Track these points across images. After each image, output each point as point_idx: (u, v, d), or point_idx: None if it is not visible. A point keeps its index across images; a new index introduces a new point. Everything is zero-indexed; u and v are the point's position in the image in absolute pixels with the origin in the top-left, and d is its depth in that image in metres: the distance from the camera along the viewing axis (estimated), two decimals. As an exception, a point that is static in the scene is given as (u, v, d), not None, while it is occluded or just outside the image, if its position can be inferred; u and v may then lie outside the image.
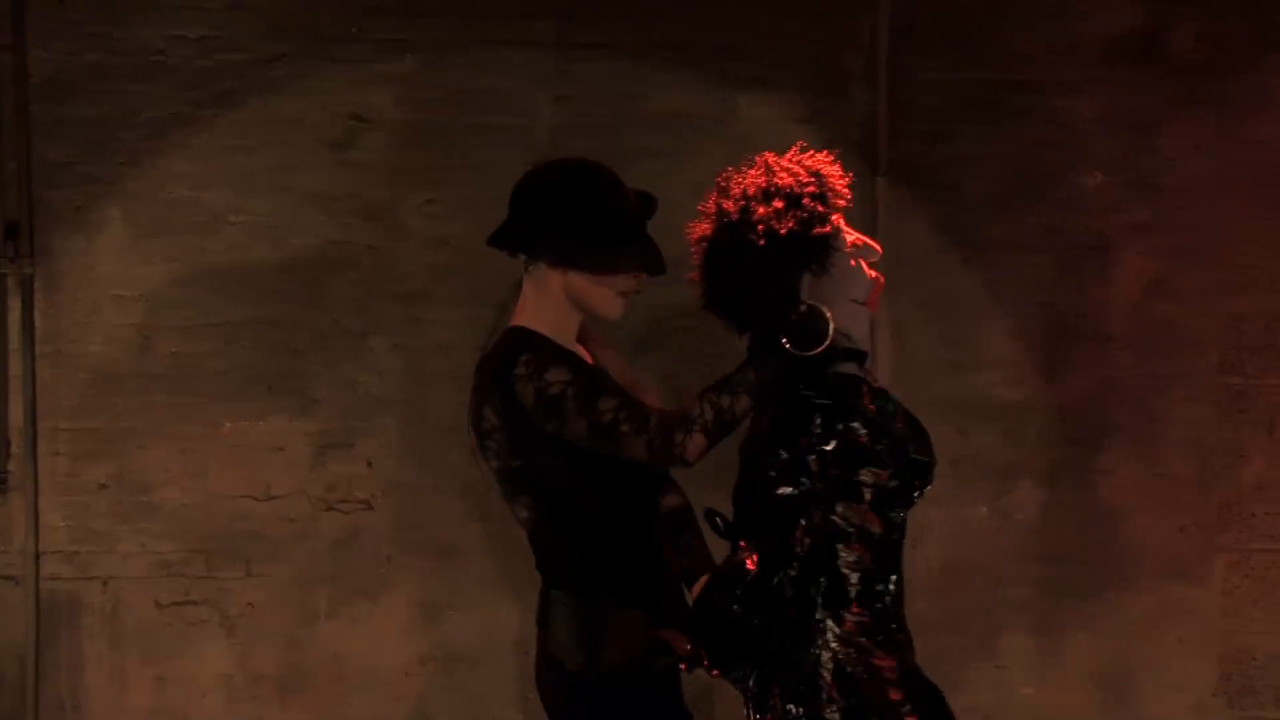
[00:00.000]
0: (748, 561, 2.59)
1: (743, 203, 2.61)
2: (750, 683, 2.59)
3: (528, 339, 2.84)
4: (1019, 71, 4.20)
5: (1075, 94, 4.20)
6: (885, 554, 2.53)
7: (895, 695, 2.48)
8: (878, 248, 2.67)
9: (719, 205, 2.65)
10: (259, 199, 4.12)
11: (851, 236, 2.64)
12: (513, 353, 2.81)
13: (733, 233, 2.61)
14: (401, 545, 4.17)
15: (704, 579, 2.78)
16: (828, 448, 2.51)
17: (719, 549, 2.77)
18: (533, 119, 4.16)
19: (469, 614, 4.17)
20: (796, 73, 4.17)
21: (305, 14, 4.11)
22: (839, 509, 2.49)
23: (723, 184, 2.67)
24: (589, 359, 2.95)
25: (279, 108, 4.12)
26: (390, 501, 4.17)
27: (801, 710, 2.50)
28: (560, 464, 2.81)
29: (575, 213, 2.85)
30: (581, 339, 2.98)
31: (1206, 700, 4.22)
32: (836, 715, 2.48)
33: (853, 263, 2.63)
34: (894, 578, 2.56)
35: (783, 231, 2.56)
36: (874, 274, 2.66)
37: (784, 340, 2.59)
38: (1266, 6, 4.20)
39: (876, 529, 2.50)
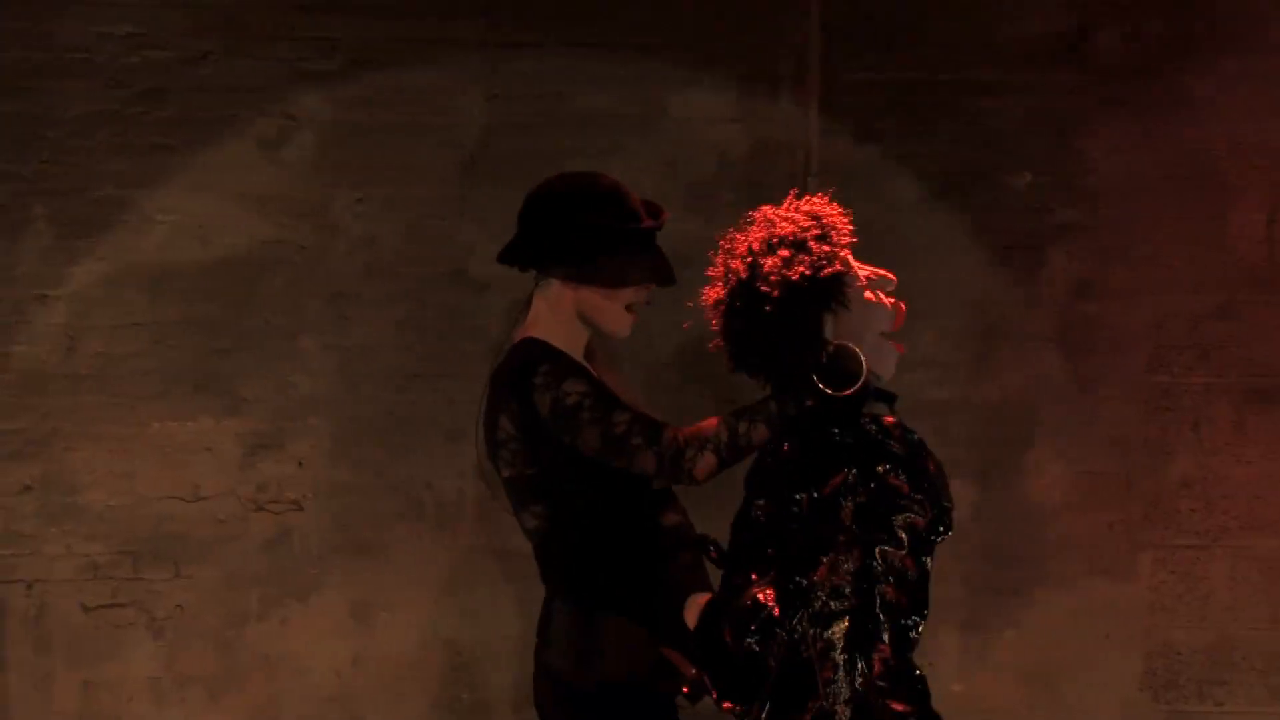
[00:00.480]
0: (760, 596, 2.57)
1: (750, 259, 2.60)
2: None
3: (545, 350, 2.86)
4: (947, 72, 4.23)
5: (1003, 95, 4.23)
6: (917, 598, 2.53)
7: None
8: (891, 277, 2.67)
9: (727, 266, 2.64)
10: (187, 198, 4.09)
11: (864, 271, 2.65)
12: (531, 363, 2.82)
13: (746, 290, 2.60)
14: (332, 545, 4.15)
15: (701, 599, 2.77)
16: (864, 492, 2.52)
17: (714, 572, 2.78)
18: (463, 118, 4.15)
19: (400, 614, 4.15)
20: (727, 72, 4.18)
21: (233, 12, 4.08)
22: (877, 551, 2.49)
23: (727, 245, 2.66)
24: (595, 375, 2.95)
25: (207, 106, 4.08)
26: (321, 502, 4.15)
27: None
28: (574, 474, 2.82)
29: (585, 226, 2.85)
30: (588, 357, 2.98)
31: (1132, 694, 4.27)
32: None
33: (869, 295, 2.63)
34: (921, 623, 2.55)
35: (795, 278, 2.55)
36: (892, 300, 2.67)
37: (817, 382, 2.58)
38: (1188, 9, 4.25)
39: (911, 573, 2.50)
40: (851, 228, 2.64)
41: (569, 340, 2.91)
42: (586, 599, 2.87)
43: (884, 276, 2.67)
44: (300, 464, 4.15)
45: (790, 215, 2.62)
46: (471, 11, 4.13)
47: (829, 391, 2.58)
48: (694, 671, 2.69)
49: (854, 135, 4.21)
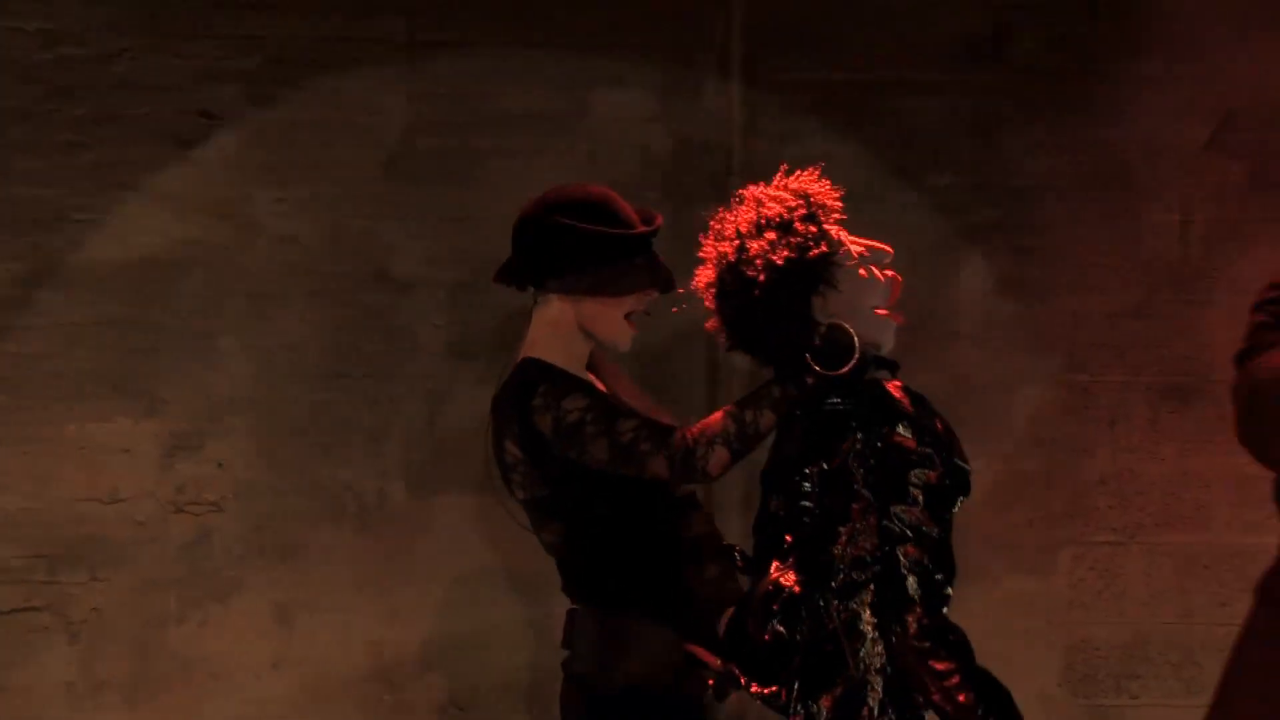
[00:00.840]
0: (781, 579, 2.55)
1: (736, 241, 2.61)
2: (793, 702, 2.52)
3: (542, 370, 2.83)
4: (870, 72, 4.26)
5: (924, 95, 4.26)
6: (942, 555, 2.52)
7: (964, 698, 2.45)
8: (888, 249, 2.67)
9: (716, 249, 2.65)
10: (103, 197, 4.04)
11: (858, 246, 2.64)
12: (529, 384, 2.81)
13: (734, 273, 2.61)
14: (253, 547, 4.11)
15: (729, 611, 2.74)
16: (873, 454, 2.51)
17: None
18: (384, 117, 4.12)
19: (322, 616, 4.11)
20: (651, 71, 4.18)
21: (150, 8, 4.03)
22: (893, 511, 2.48)
23: (716, 226, 2.67)
24: (602, 388, 2.94)
25: (123, 103, 4.03)
26: (241, 503, 4.11)
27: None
28: (588, 491, 2.80)
29: (579, 239, 2.83)
30: (593, 368, 2.97)
31: (1051, 689, 4.31)
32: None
33: (863, 271, 2.63)
34: (950, 582, 2.55)
35: (780, 261, 2.55)
36: (890, 274, 2.66)
37: (812, 363, 2.58)
38: (1102, 14, 4.30)
39: (932, 530, 2.50)
40: (841, 205, 2.63)
41: (569, 356, 2.89)
42: (609, 605, 2.84)
43: (880, 249, 2.66)
44: (220, 465, 4.10)
45: (778, 195, 2.62)
46: (392, 10, 4.10)
47: (824, 372, 2.58)
48: (719, 664, 2.66)
49: (776, 135, 4.22)
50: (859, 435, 2.51)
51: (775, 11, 4.23)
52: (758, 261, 2.56)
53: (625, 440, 2.71)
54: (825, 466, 2.53)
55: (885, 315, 2.64)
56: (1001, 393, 4.35)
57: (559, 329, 2.89)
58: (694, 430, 2.70)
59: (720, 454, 2.67)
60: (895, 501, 2.49)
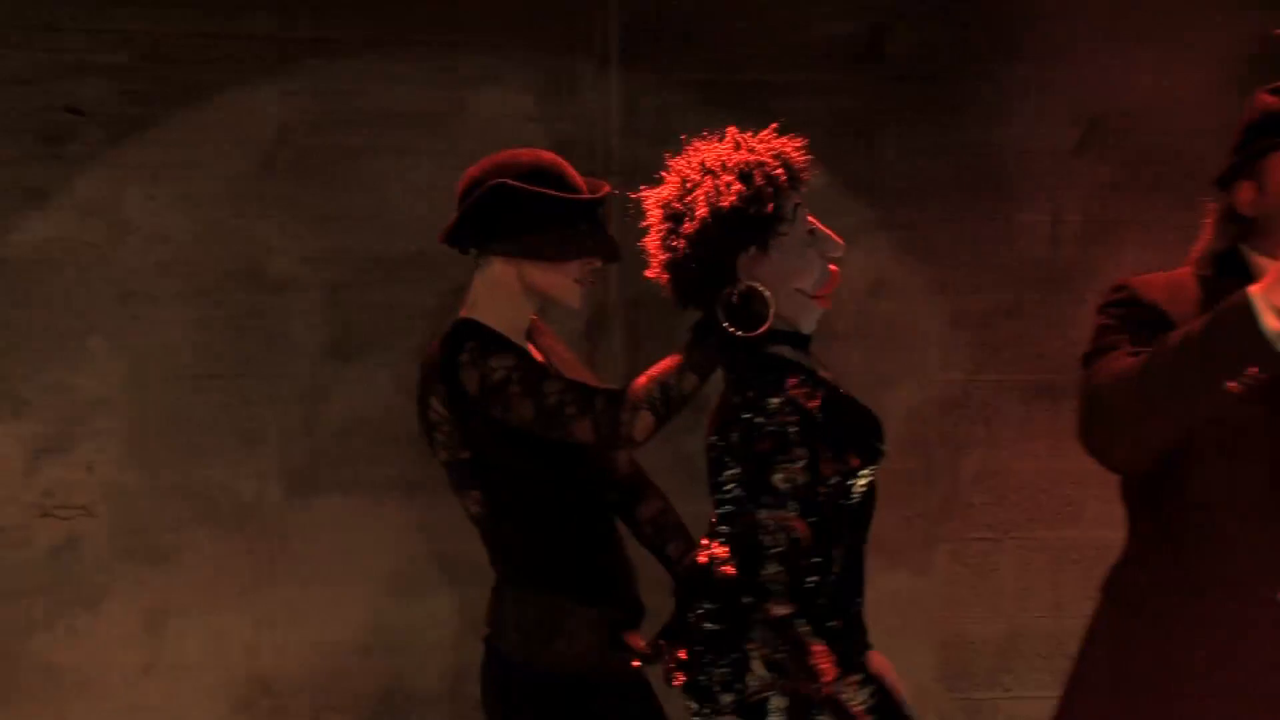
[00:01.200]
0: (699, 556, 2.54)
1: (697, 172, 2.57)
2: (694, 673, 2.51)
3: (472, 329, 2.80)
4: (746, 72, 4.27)
5: (801, 96, 4.27)
6: (808, 548, 2.47)
7: (827, 689, 2.42)
8: (840, 241, 2.63)
9: (679, 169, 2.61)
10: (-34, 194, 3.94)
11: (812, 227, 2.61)
12: (457, 342, 2.77)
13: (681, 200, 2.56)
14: (123, 552, 4.02)
15: None
16: (744, 440, 2.47)
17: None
18: (258, 114, 4.05)
19: (193, 620, 4.04)
20: (528, 71, 4.16)
21: (15, 2, 3.94)
22: (761, 503, 2.45)
23: (689, 149, 2.63)
24: (539, 356, 2.91)
25: (-13, 99, 3.94)
26: (111, 507, 4.02)
27: (733, 699, 2.43)
28: (511, 454, 2.77)
29: (525, 200, 2.80)
30: (531, 337, 2.94)
31: (927, 684, 4.36)
32: (772, 704, 2.42)
33: (810, 253, 2.58)
34: (825, 568, 2.51)
35: (724, 205, 2.50)
36: (833, 267, 2.63)
37: (722, 318, 2.54)
38: (974, 19, 4.36)
39: (797, 528, 2.45)
40: (808, 176, 2.61)
41: (508, 319, 2.86)
42: (534, 582, 2.83)
43: (831, 239, 2.63)
44: (89, 468, 4.01)
45: (756, 145, 2.58)
46: (265, 7, 4.04)
47: (732, 330, 2.54)
48: (644, 645, 2.66)
49: (654, 135, 4.21)
50: (741, 419, 2.49)
51: (653, 11, 4.23)
52: (703, 195, 2.53)
53: (551, 402, 2.69)
54: (719, 441, 2.51)
55: (808, 299, 2.60)
56: (880, 391, 4.38)
57: (500, 292, 2.86)
58: (619, 394, 2.68)
59: (646, 419, 2.65)
60: (761, 494, 2.45)
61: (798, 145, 2.62)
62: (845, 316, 4.37)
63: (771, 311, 2.54)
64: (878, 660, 2.69)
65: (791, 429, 2.45)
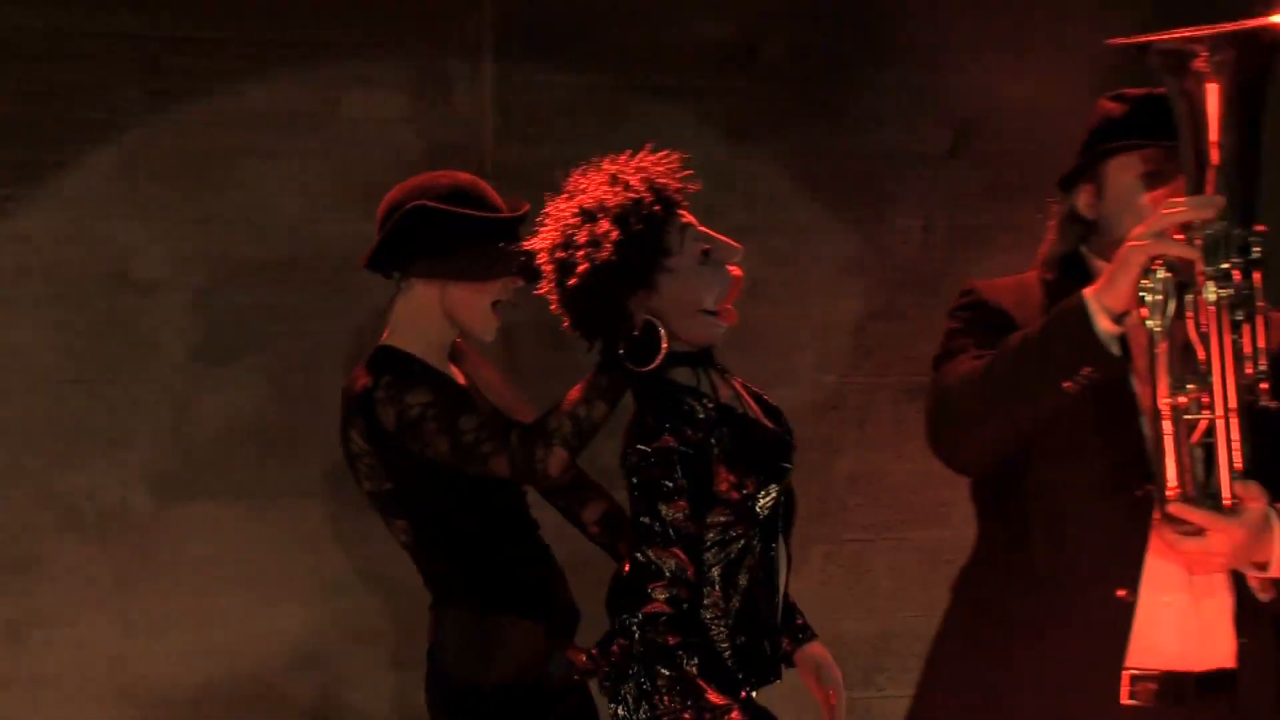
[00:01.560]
0: (624, 567, 2.60)
1: (577, 218, 2.59)
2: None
3: (390, 359, 2.81)
4: (621, 77, 4.27)
5: (676, 100, 4.29)
6: (693, 581, 2.52)
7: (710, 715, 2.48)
8: (737, 246, 2.66)
9: (558, 215, 2.63)
10: None
11: (703, 244, 2.63)
12: (375, 375, 2.78)
13: (566, 249, 2.59)
14: (-19, 561, 3.92)
15: None
16: (639, 470, 2.53)
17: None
18: (124, 114, 3.95)
19: (58, 631, 3.93)
20: (401, 72, 4.12)
21: None
22: (653, 532, 2.51)
23: (570, 189, 2.66)
24: (461, 379, 2.92)
25: None
26: (-30, 516, 3.91)
27: (648, 715, 2.50)
28: (432, 486, 2.79)
29: (444, 221, 2.81)
30: (455, 358, 2.94)
31: (800, 683, 4.38)
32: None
33: (705, 271, 2.62)
34: (730, 590, 2.56)
35: (602, 259, 2.54)
36: (734, 271, 2.65)
37: (622, 356, 2.58)
38: (845, 25, 4.41)
39: (678, 561, 2.50)
40: (682, 199, 2.63)
41: (429, 344, 2.87)
42: (470, 602, 2.86)
43: (729, 245, 2.66)
44: (-53, 476, 3.90)
45: (630, 179, 2.62)
46: (128, 4, 3.94)
47: (631, 367, 2.58)
48: (582, 657, 2.68)
49: (529, 138, 4.21)
50: (636, 449, 2.54)
51: (527, 13, 4.21)
52: (580, 253, 2.56)
53: (467, 440, 2.71)
54: (625, 460, 2.57)
55: (710, 318, 2.64)
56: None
57: (422, 316, 2.88)
58: (533, 429, 2.71)
59: (560, 454, 2.69)
60: (653, 523, 2.52)
61: (673, 165, 2.67)
62: (721, 320, 4.38)
63: (664, 347, 2.58)
64: (814, 654, 2.86)
65: (675, 464, 2.51)
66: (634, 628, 2.52)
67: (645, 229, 2.57)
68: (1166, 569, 2.35)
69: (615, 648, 2.54)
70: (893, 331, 4.43)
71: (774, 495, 2.64)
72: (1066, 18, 4.50)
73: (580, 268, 2.55)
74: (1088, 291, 2.23)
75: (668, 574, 2.48)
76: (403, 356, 2.84)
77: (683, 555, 2.49)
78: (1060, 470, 2.41)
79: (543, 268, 2.64)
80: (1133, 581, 2.35)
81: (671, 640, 2.46)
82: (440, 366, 2.90)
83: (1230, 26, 2.11)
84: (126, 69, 3.95)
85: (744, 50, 4.37)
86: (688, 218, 2.67)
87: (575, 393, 2.69)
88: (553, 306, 2.65)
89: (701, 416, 2.56)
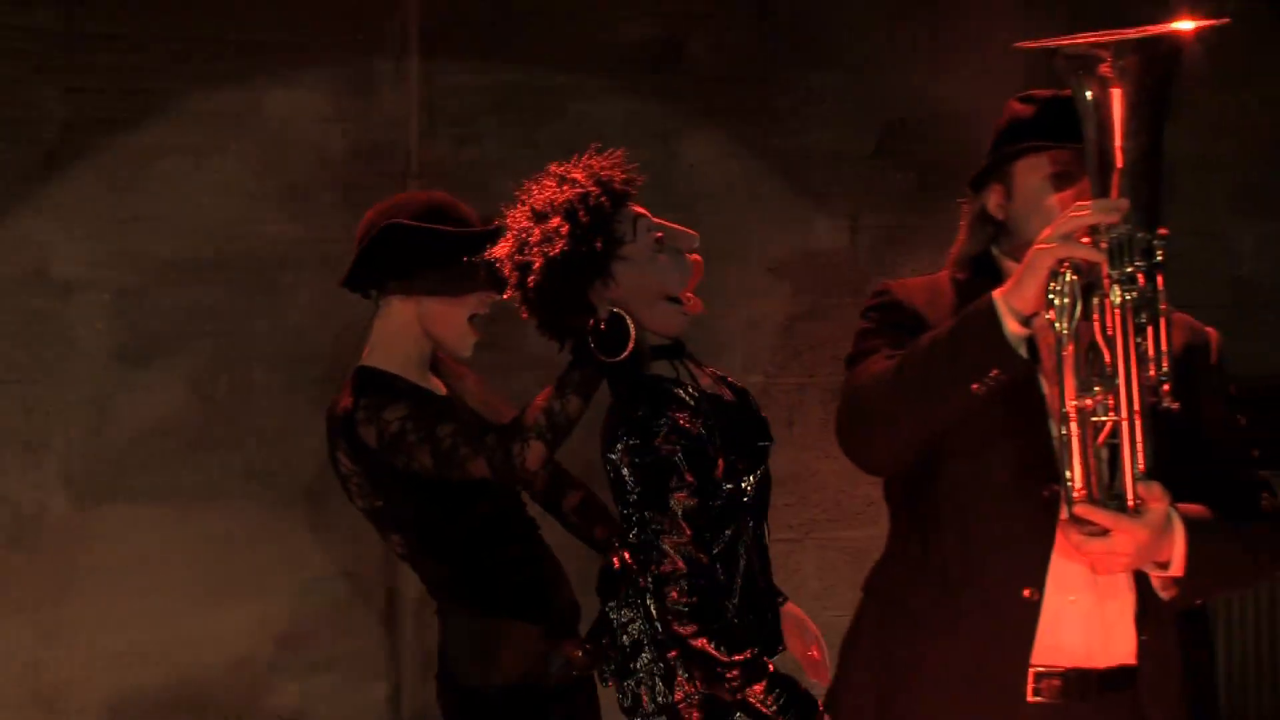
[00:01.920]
0: (614, 559, 2.63)
1: (529, 221, 2.62)
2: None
3: (368, 380, 2.86)
4: (548, 76, 4.26)
5: (599, 100, 4.29)
6: (706, 568, 2.52)
7: (739, 695, 2.48)
8: (692, 234, 2.69)
9: (513, 222, 2.65)
10: None
11: (657, 234, 2.66)
12: (355, 396, 2.83)
13: (521, 251, 2.61)
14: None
15: None
16: (634, 465, 2.52)
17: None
18: (40, 112, 3.90)
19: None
20: (325, 71, 4.08)
21: None
22: (660, 529, 2.51)
23: (522, 198, 2.67)
24: (443, 389, 2.97)
25: None
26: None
27: (658, 706, 2.54)
28: (421, 498, 2.83)
29: (418, 238, 2.86)
30: (438, 369, 2.99)
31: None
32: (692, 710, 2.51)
33: (662, 258, 2.65)
34: (732, 570, 2.57)
35: (556, 252, 2.56)
36: (693, 257, 2.68)
37: (594, 348, 2.60)
38: (778, 25, 4.42)
39: (693, 550, 2.50)
40: (633, 190, 2.66)
41: (408, 360, 2.92)
42: (471, 606, 2.90)
43: (683, 233, 2.70)
44: None
45: (577, 176, 2.65)
46: (49, 1, 3.90)
47: (603, 358, 2.60)
48: (578, 653, 2.73)
49: (455, 138, 4.19)
50: (630, 444, 2.54)
51: (452, 12, 4.19)
52: (534, 250, 2.59)
53: (445, 446, 2.74)
54: (614, 457, 2.57)
55: (674, 306, 2.67)
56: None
57: (399, 333, 2.93)
58: (509, 428, 2.74)
59: (536, 449, 2.71)
60: (651, 509, 2.53)
61: (617, 160, 2.70)
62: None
63: (634, 335, 2.60)
64: (793, 613, 2.89)
65: (678, 457, 2.52)
66: (630, 618, 2.56)
67: (594, 220, 2.59)
68: (1071, 568, 2.37)
69: (617, 641, 2.58)
70: (820, 331, 4.44)
71: (758, 475, 2.68)
72: (991, 20, 4.53)
73: (536, 264, 2.58)
74: (996, 294, 2.24)
75: (685, 564, 2.49)
76: (380, 375, 2.89)
77: (694, 545, 2.51)
78: (970, 470, 2.42)
79: (506, 275, 2.66)
80: (1039, 581, 2.37)
81: (692, 628, 2.48)
82: (421, 381, 2.95)
83: (1134, 32, 2.12)
84: (45, 66, 3.91)
85: (671, 50, 4.37)
86: (638, 209, 2.70)
87: (548, 390, 2.72)
88: (521, 313, 2.67)
89: (692, 405, 2.58)
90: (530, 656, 2.90)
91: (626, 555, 2.60)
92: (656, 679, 2.57)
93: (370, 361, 2.93)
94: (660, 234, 2.69)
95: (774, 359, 4.45)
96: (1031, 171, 2.47)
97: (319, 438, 4.05)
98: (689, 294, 2.70)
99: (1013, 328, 2.22)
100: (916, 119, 4.47)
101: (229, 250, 4.04)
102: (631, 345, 2.60)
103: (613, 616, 2.62)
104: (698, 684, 2.53)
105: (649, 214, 2.72)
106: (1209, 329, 2.54)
